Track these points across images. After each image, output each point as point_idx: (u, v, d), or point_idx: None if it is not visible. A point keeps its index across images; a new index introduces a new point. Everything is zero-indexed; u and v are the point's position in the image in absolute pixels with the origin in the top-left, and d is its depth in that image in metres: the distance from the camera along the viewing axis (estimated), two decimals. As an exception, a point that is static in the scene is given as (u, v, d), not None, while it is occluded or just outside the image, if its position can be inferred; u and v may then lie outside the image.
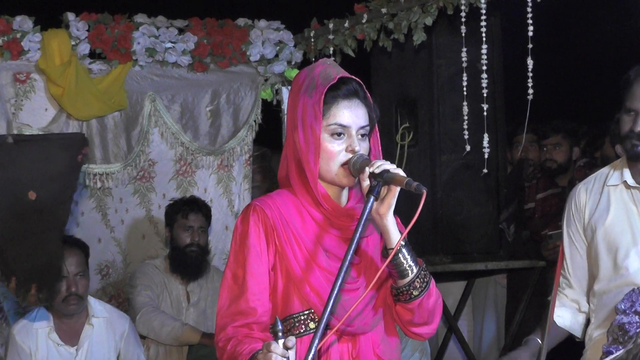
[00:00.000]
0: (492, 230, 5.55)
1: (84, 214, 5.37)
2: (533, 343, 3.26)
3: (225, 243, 5.59)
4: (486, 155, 4.66)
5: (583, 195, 3.31)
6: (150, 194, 5.54)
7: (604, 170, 3.34)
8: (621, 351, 2.71)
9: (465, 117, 4.75)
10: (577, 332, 3.38)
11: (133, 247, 5.50)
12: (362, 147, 2.52)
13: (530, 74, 4.34)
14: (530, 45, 4.30)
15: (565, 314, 3.35)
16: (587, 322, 3.39)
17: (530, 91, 4.37)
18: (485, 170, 4.71)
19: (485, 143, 4.66)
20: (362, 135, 2.54)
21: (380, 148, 2.62)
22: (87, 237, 4.97)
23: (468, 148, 4.81)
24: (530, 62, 4.33)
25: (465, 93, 4.70)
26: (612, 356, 2.68)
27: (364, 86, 2.58)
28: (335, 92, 2.53)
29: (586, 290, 3.36)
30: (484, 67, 4.57)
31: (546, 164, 5.88)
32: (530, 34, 4.29)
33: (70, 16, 5.15)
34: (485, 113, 4.58)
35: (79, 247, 4.55)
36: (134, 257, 5.49)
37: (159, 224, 5.52)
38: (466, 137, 4.77)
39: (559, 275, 3.35)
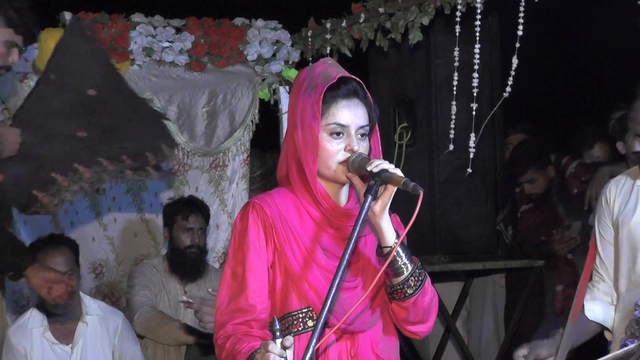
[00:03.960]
0: (490, 230, 5.55)
1: (78, 212, 5.37)
2: (558, 337, 3.23)
3: (217, 241, 5.62)
4: (471, 155, 4.66)
5: (613, 191, 3.33)
6: (143, 192, 5.53)
7: (636, 168, 3.35)
8: (635, 344, 2.71)
9: (453, 117, 4.74)
10: (610, 326, 3.34)
11: (125, 246, 5.50)
12: (361, 147, 2.52)
13: (512, 72, 4.36)
14: (517, 45, 4.30)
15: (597, 308, 3.33)
16: None
17: (508, 89, 4.38)
18: (469, 170, 4.71)
19: (471, 143, 4.66)
20: (362, 135, 2.54)
21: (380, 148, 2.62)
22: (81, 236, 4.98)
23: (451, 147, 4.81)
24: (515, 61, 4.34)
25: (455, 92, 4.70)
26: (625, 348, 2.68)
27: (364, 86, 2.58)
28: (335, 91, 2.53)
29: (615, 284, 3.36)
30: (476, 67, 4.57)
31: (530, 197, 5.79)
32: (520, 33, 4.30)
33: (67, 15, 5.14)
34: (474, 112, 4.58)
35: (67, 246, 4.51)
36: (126, 255, 5.49)
37: (150, 222, 5.53)
38: (452, 136, 4.77)
39: (588, 270, 3.34)
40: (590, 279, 3.36)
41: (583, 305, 3.30)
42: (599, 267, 3.36)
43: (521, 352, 3.19)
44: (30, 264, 3.91)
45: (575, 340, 3.21)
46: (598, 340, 3.45)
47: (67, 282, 4.08)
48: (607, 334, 3.38)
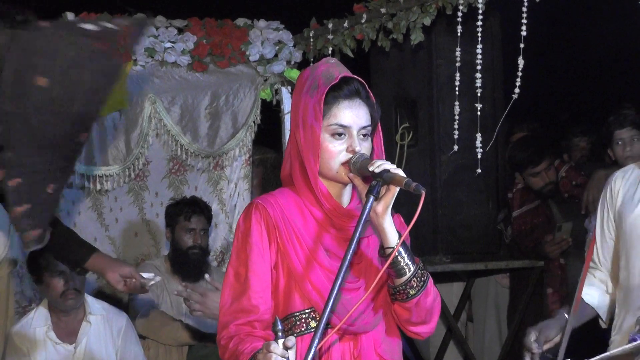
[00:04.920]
0: (492, 230, 5.55)
1: (81, 213, 5.38)
2: (561, 317, 3.28)
3: (215, 240, 5.63)
4: (479, 155, 4.66)
5: (619, 182, 3.33)
6: (144, 192, 5.54)
7: None
8: None
9: (457, 117, 4.74)
10: (603, 313, 3.39)
11: (126, 245, 5.52)
12: (363, 147, 2.52)
13: (519, 73, 4.36)
14: (522, 45, 4.31)
15: (594, 293, 3.37)
16: (613, 305, 3.40)
17: (517, 90, 4.38)
18: (479, 170, 4.72)
19: (478, 143, 4.66)
20: (364, 135, 2.54)
21: (382, 148, 2.62)
22: (83, 236, 4.96)
23: (456, 148, 4.82)
24: (521, 62, 4.34)
25: (457, 93, 4.70)
26: (635, 343, 2.68)
27: (367, 86, 2.58)
28: (337, 92, 2.53)
29: (613, 274, 3.38)
30: (479, 67, 4.57)
31: (543, 190, 5.74)
32: (524, 33, 4.30)
33: (70, 16, 5.14)
34: (479, 113, 4.59)
35: None
36: (127, 255, 5.50)
37: (151, 223, 5.54)
38: (456, 137, 4.78)
39: (590, 258, 3.36)
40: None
41: None
42: (595, 255, 3.39)
43: (531, 337, 3.20)
44: (90, 257, 3.91)
45: (574, 323, 3.24)
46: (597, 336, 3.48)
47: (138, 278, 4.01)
48: (601, 322, 3.42)
